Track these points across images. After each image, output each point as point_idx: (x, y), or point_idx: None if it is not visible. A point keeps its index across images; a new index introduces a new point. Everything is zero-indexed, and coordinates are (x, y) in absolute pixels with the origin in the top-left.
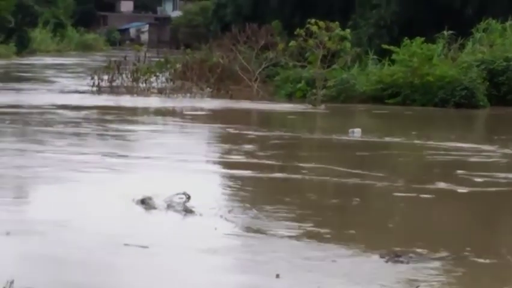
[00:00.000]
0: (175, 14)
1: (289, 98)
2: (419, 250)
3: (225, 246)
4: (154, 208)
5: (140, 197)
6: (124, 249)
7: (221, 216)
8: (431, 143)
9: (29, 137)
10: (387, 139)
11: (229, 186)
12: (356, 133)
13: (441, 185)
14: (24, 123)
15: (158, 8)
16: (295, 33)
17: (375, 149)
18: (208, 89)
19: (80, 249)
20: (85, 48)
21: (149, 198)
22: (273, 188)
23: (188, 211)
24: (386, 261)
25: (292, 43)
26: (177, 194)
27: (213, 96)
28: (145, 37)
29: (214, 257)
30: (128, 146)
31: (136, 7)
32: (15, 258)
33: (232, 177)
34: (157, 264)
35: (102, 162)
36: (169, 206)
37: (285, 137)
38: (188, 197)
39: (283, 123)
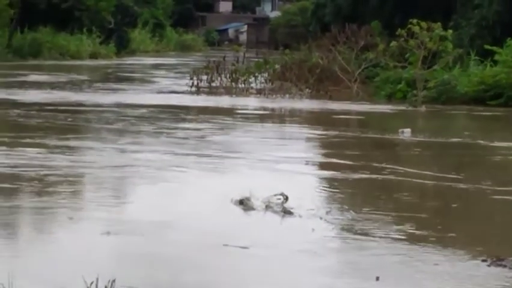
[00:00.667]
0: (274, 14)
1: (389, 99)
2: None
3: (324, 248)
4: (253, 209)
5: (238, 198)
6: (224, 250)
7: (320, 218)
8: None
9: (127, 137)
10: (485, 142)
11: (326, 188)
12: (406, 133)
13: None
14: (123, 122)
15: (257, 9)
16: (396, 33)
17: (476, 151)
18: (307, 89)
19: (179, 249)
20: (184, 48)
21: (248, 199)
22: (370, 190)
23: (287, 212)
24: (489, 265)
25: (393, 44)
26: (275, 195)
27: (312, 97)
28: (243, 37)
29: (314, 259)
30: (224, 146)
31: (234, 7)
32: (116, 257)
33: (328, 179)
34: (257, 265)
35: (198, 162)
36: (268, 207)
37: (383, 138)
38: (286, 198)
39: (382, 124)
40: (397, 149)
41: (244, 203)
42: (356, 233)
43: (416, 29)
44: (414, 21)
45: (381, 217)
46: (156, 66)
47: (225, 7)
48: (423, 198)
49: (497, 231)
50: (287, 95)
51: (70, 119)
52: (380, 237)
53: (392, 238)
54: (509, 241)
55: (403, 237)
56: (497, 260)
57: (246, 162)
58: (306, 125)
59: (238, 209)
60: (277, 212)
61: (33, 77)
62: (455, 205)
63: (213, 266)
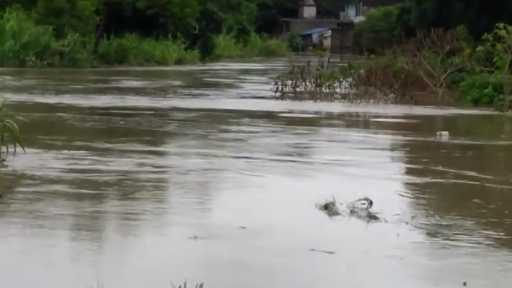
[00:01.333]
0: (358, 19)
1: (475, 103)
2: None
3: (410, 254)
4: (337, 214)
5: (323, 203)
6: (311, 255)
7: (406, 223)
8: None
9: (210, 141)
10: None
11: (410, 193)
12: (444, 136)
13: None
14: (206, 127)
15: (341, 14)
16: (482, 37)
17: None
18: (392, 94)
19: (266, 255)
20: (268, 54)
21: (332, 204)
22: (453, 194)
23: (372, 217)
24: None
25: (479, 48)
26: (359, 199)
27: (396, 101)
28: (327, 42)
29: (401, 264)
30: (306, 151)
31: (318, 13)
32: (202, 262)
33: (411, 184)
34: (345, 271)
35: (280, 166)
36: (352, 212)
37: (467, 143)
38: (371, 203)
39: (468, 129)
40: (482, 154)
41: (329, 208)
42: (442, 238)
43: (503, 33)
44: (501, 25)
45: (466, 222)
46: (240, 72)
47: (309, 12)
48: (508, 203)
49: None
50: (372, 100)
51: (156, 124)
52: (467, 242)
53: (479, 243)
54: None
55: (490, 242)
56: None
57: (327, 168)
58: (390, 130)
59: (323, 214)
60: (362, 217)
61: (128, 83)
62: None
63: (301, 271)
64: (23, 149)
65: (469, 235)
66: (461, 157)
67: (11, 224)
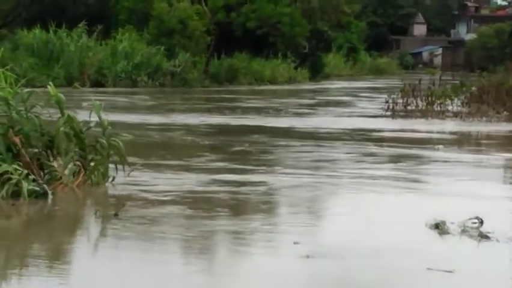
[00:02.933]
0: (469, 36)
1: None
2: None
3: None
4: (448, 233)
5: (433, 222)
6: (428, 274)
7: None
8: None
9: (320, 160)
10: None
11: None
12: (440, 150)
13: None
14: (317, 145)
15: (452, 31)
16: None
17: None
18: (505, 112)
19: (381, 273)
20: (378, 72)
21: (443, 223)
22: None
23: (483, 236)
24: None
25: None
26: (469, 218)
27: (509, 119)
28: (437, 60)
29: None
30: (413, 169)
31: (429, 30)
32: (314, 281)
33: None
34: None
35: (389, 184)
36: (463, 231)
37: None
38: (481, 222)
39: None
40: None
41: (439, 227)
42: None
43: None
44: None
45: None
46: (350, 90)
47: (419, 30)
48: None
49: None
50: (484, 118)
51: (271, 144)
52: None
53: None
54: None
55: None
56: None
57: (432, 187)
58: (502, 149)
59: (434, 233)
60: (473, 236)
61: (242, 102)
62: None
63: None
64: (129, 167)
65: None
66: None
67: (124, 242)
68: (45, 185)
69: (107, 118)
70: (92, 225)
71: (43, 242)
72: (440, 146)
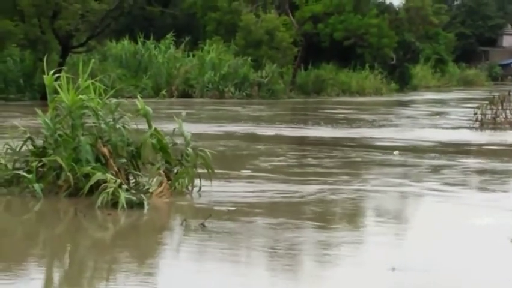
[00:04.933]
0: None
1: None
2: None
3: None
4: None
5: None
6: None
7: None
8: None
9: (407, 170)
10: None
11: None
12: (396, 155)
13: None
14: (407, 156)
15: None
16: None
17: None
18: None
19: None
20: (466, 83)
21: None
22: None
23: None
24: None
25: None
26: None
27: None
28: None
29: None
30: (499, 182)
31: None
32: None
33: None
34: None
35: (471, 198)
36: None
37: None
38: None
39: None
40: None
41: None
42: None
43: None
44: None
45: None
46: (439, 102)
47: (509, 41)
48: None
49: None
50: None
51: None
52: None
53: None
54: None
55: None
56: None
57: None
58: None
59: None
60: None
61: (331, 113)
62: None
63: None
64: (213, 174)
65: None
66: None
67: (211, 252)
68: (142, 195)
69: (190, 133)
70: (181, 236)
71: (136, 253)
72: (396, 152)
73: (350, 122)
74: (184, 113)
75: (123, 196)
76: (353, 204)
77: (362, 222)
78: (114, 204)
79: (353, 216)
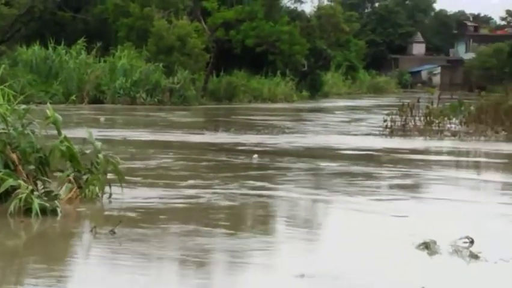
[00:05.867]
0: (468, 56)
1: None
2: None
3: None
4: (437, 253)
5: (422, 241)
6: None
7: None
8: None
9: (315, 177)
10: None
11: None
12: (254, 159)
13: None
14: (313, 162)
15: (451, 50)
16: None
17: None
18: (503, 132)
19: None
20: (376, 90)
21: (434, 242)
22: None
23: (473, 256)
24: None
25: None
26: (460, 238)
27: (508, 139)
28: (436, 80)
29: None
30: (407, 188)
31: (427, 49)
32: None
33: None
34: None
35: (379, 205)
36: (454, 251)
37: None
38: (472, 242)
39: None
40: None
41: (429, 247)
42: None
43: None
44: None
45: None
46: (349, 108)
47: (418, 49)
48: None
49: None
50: (482, 138)
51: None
52: None
53: None
54: None
55: None
56: None
57: (426, 206)
58: (500, 169)
59: (424, 254)
60: (464, 256)
61: (237, 118)
62: None
63: None
64: (123, 181)
65: None
66: None
67: (122, 260)
68: (56, 202)
69: (100, 143)
70: (91, 242)
71: (46, 260)
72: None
73: (260, 129)
74: (102, 118)
75: (36, 203)
76: (268, 209)
77: (272, 228)
78: (26, 211)
79: (265, 223)
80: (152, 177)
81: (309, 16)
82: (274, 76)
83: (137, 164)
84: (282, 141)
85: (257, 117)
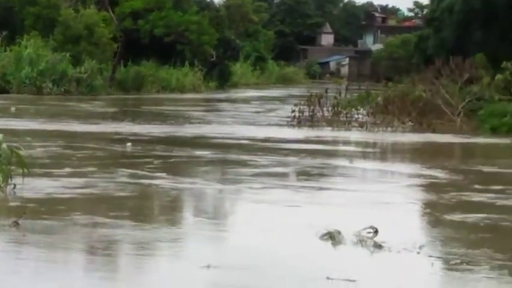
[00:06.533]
0: (376, 47)
1: (494, 132)
2: None
3: (419, 284)
4: (342, 243)
5: (327, 231)
6: (330, 283)
7: (417, 252)
8: None
9: (220, 169)
10: None
11: (419, 220)
12: (128, 147)
13: None
14: (222, 156)
15: (359, 41)
16: (501, 66)
17: None
18: (410, 123)
19: (283, 284)
20: (285, 81)
21: (338, 232)
22: (466, 223)
23: (377, 246)
24: None
25: (498, 76)
26: (365, 228)
27: (414, 130)
28: (344, 70)
29: None
30: (315, 178)
31: (336, 40)
32: None
33: (419, 211)
34: None
35: (286, 193)
36: (358, 241)
37: (484, 170)
38: (376, 231)
39: (485, 157)
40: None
41: (333, 237)
42: (451, 269)
43: None
44: None
45: (478, 252)
46: (257, 99)
47: (327, 40)
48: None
49: None
50: (389, 128)
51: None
52: (481, 271)
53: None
54: None
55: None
56: None
57: (332, 196)
58: (405, 159)
59: (328, 244)
60: (367, 245)
61: (148, 109)
62: None
63: None
64: (28, 172)
65: (483, 264)
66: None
67: (26, 251)
68: None
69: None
70: None
71: None
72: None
73: (165, 119)
74: (13, 108)
75: None
76: (175, 200)
77: (179, 218)
78: None
79: (171, 213)
80: (53, 167)
81: (218, 6)
82: (183, 66)
83: (38, 154)
84: (184, 131)
85: (165, 107)
